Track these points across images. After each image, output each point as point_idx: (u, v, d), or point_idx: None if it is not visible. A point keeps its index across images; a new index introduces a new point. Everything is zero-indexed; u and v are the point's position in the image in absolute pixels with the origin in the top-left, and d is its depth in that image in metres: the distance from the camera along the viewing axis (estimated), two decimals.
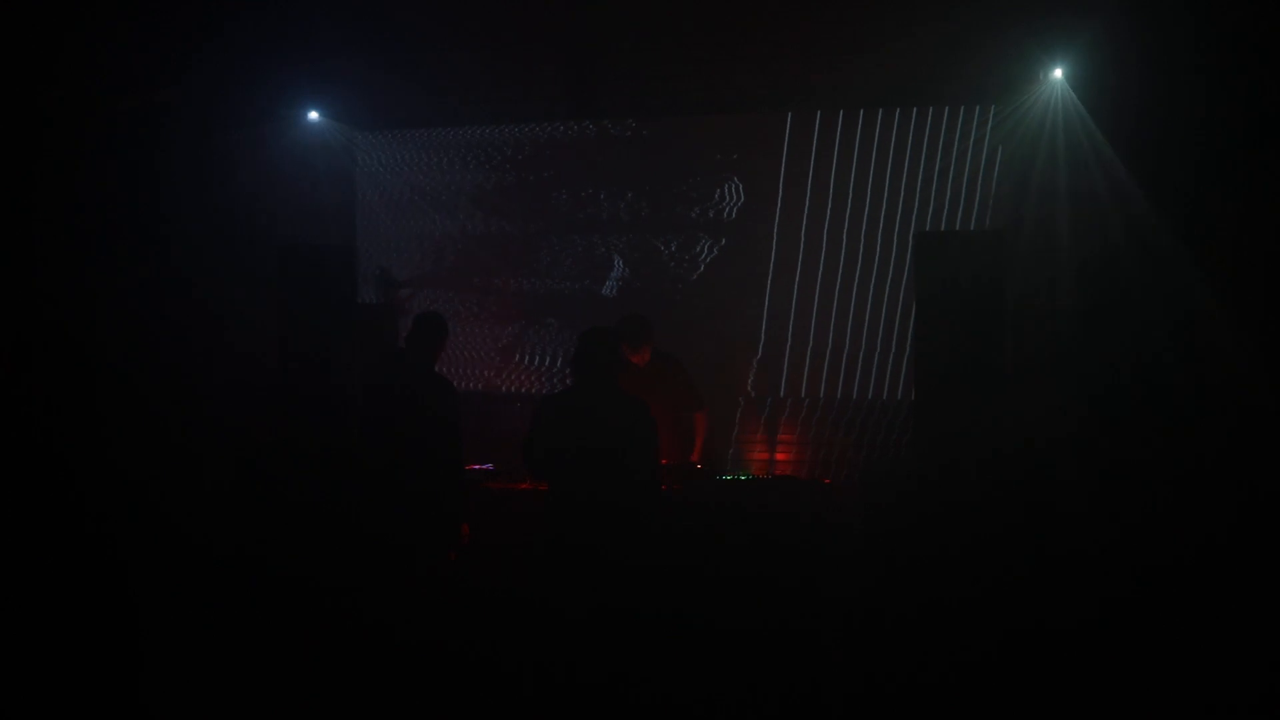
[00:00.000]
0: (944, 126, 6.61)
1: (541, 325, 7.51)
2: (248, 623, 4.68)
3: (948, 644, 4.35)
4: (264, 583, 4.85)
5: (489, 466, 5.65)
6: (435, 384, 5.03)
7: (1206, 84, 5.24)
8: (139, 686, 3.79)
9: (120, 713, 3.76)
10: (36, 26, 5.67)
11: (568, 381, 4.55)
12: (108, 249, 6.16)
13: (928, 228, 6.59)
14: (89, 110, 6.01)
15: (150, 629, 4.43)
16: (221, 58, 6.31)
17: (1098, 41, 5.64)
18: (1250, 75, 5.18)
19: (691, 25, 6.30)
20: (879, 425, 6.77)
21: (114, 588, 4.09)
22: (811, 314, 6.95)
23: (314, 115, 7.32)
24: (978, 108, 6.50)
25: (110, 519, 4.82)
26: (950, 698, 4.12)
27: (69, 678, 3.80)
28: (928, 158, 6.63)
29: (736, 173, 7.10)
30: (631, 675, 4.16)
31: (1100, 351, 5.27)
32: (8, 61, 5.62)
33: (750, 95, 6.82)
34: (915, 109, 6.66)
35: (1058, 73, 6.03)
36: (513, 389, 7.58)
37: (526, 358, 7.60)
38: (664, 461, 5.44)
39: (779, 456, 6.88)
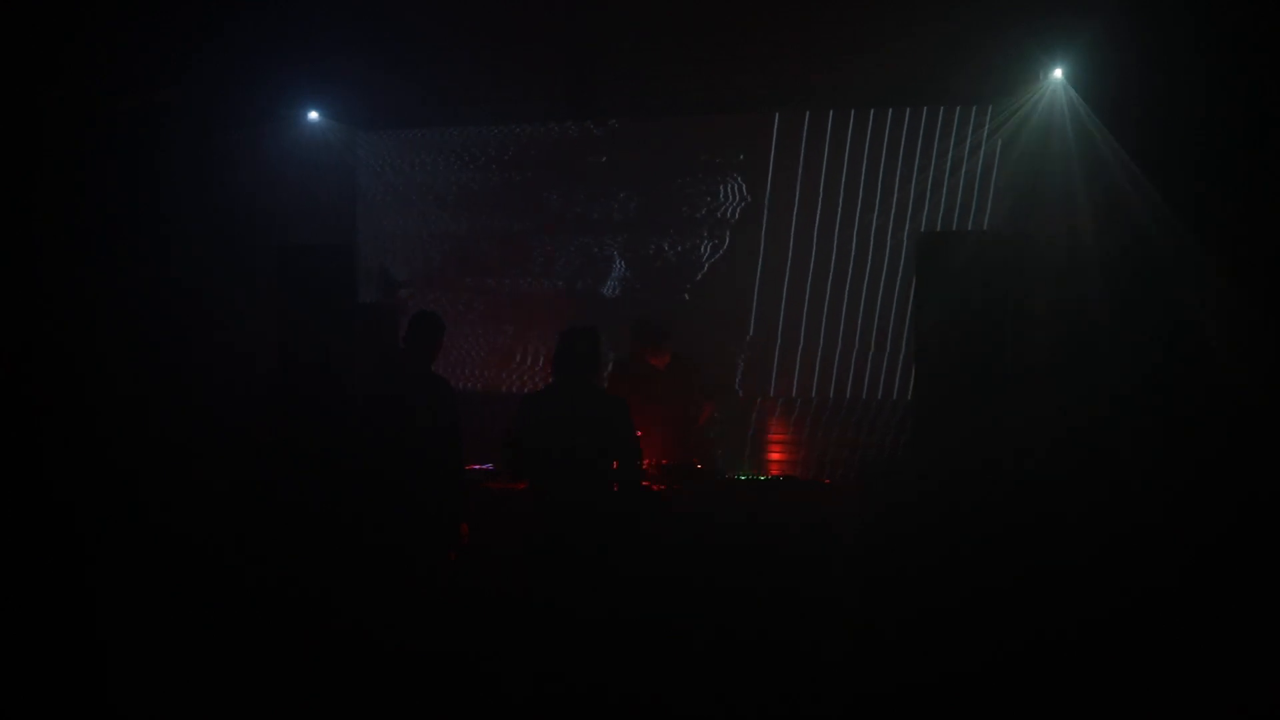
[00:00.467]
0: (944, 126, 6.61)
1: (541, 325, 7.52)
2: (246, 623, 4.67)
3: (947, 644, 4.34)
4: (263, 583, 4.84)
5: (489, 466, 5.65)
6: (432, 384, 5.03)
7: (1206, 84, 5.24)
8: (137, 687, 3.79)
9: (120, 713, 3.76)
10: (36, 26, 5.66)
11: (549, 379, 4.57)
12: (108, 249, 6.15)
13: (928, 228, 6.59)
14: (89, 110, 6.01)
15: (149, 630, 4.44)
16: (221, 58, 6.31)
17: (1098, 41, 5.64)
18: (1250, 75, 5.17)
19: (691, 25, 6.30)
20: (879, 425, 6.77)
21: (109, 588, 4.09)
22: (812, 314, 6.95)
23: (314, 115, 7.33)
24: (976, 108, 6.50)
25: (108, 519, 4.83)
26: (950, 699, 4.12)
27: (64, 676, 3.80)
28: (927, 157, 6.63)
29: (736, 173, 7.10)
30: (624, 677, 4.16)
31: (1100, 352, 5.26)
32: (8, 61, 5.62)
33: (750, 95, 6.83)
34: (915, 109, 6.66)
35: (1058, 73, 6.02)
36: (513, 389, 7.58)
37: (528, 358, 7.60)
38: (662, 461, 5.44)
39: (779, 456, 6.88)
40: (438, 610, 4.68)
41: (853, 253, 6.86)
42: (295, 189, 7.23)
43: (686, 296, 7.19)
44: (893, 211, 6.73)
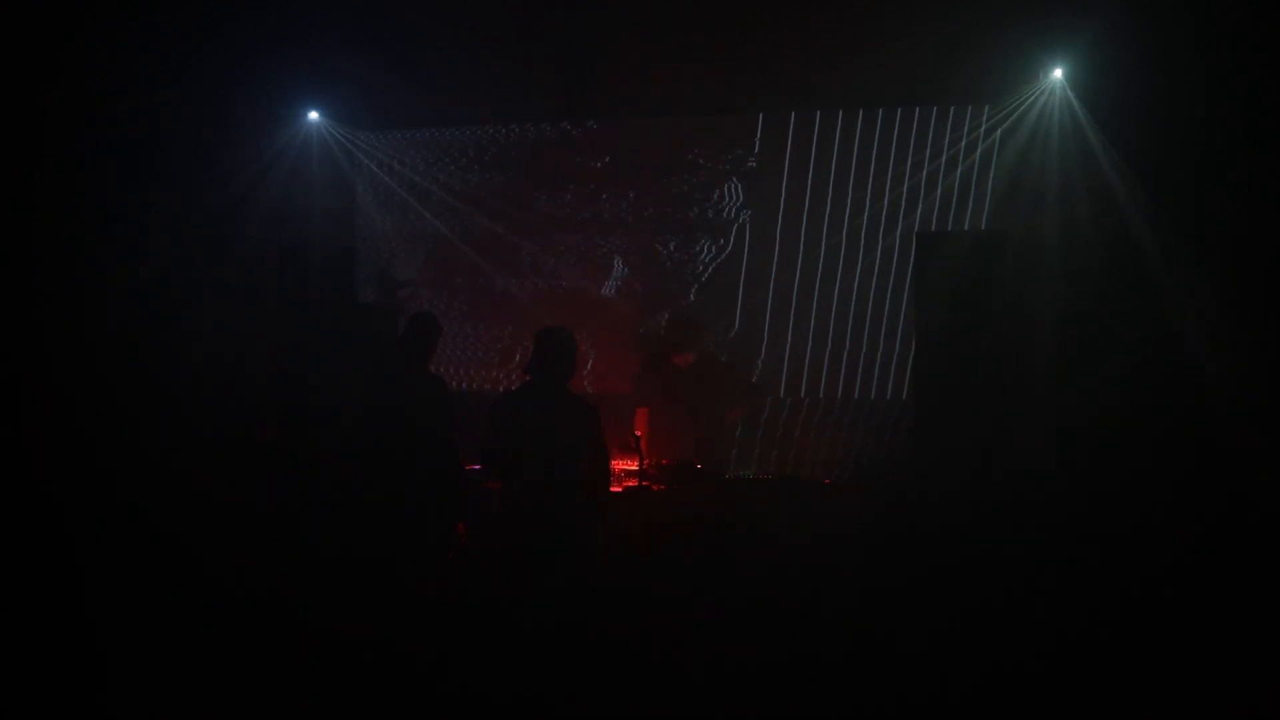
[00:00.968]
0: (944, 126, 6.61)
1: (541, 325, 7.49)
2: (242, 627, 4.67)
3: (948, 644, 4.34)
4: (258, 585, 4.84)
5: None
6: (428, 384, 5.05)
7: (1206, 84, 5.24)
8: (134, 692, 3.79)
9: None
10: (36, 26, 5.66)
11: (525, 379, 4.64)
12: (107, 249, 6.15)
13: (928, 228, 6.58)
14: (89, 110, 6.00)
15: (145, 635, 4.43)
16: (221, 58, 6.31)
17: (1098, 41, 5.64)
18: (1250, 75, 5.17)
19: (691, 25, 6.30)
20: (879, 425, 6.76)
21: (104, 592, 4.09)
22: (812, 314, 6.95)
23: (314, 115, 7.33)
24: (972, 108, 6.50)
25: (106, 520, 4.82)
26: (950, 700, 4.12)
27: (60, 681, 3.79)
28: (928, 158, 6.63)
29: (736, 173, 7.10)
30: (623, 679, 4.16)
31: (1099, 352, 5.27)
32: (8, 61, 5.62)
33: (750, 95, 6.83)
34: (915, 109, 6.66)
35: (1058, 73, 6.03)
36: (513, 390, 7.56)
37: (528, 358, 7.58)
38: (663, 461, 5.43)
39: (779, 456, 6.87)
40: (435, 612, 4.67)
41: (853, 253, 6.85)
42: (295, 189, 7.23)
43: (684, 297, 7.18)
44: (894, 211, 6.72)
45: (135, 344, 6.00)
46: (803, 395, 6.96)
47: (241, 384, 6.20)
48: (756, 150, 7.03)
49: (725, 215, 7.12)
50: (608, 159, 7.34)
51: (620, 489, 5.32)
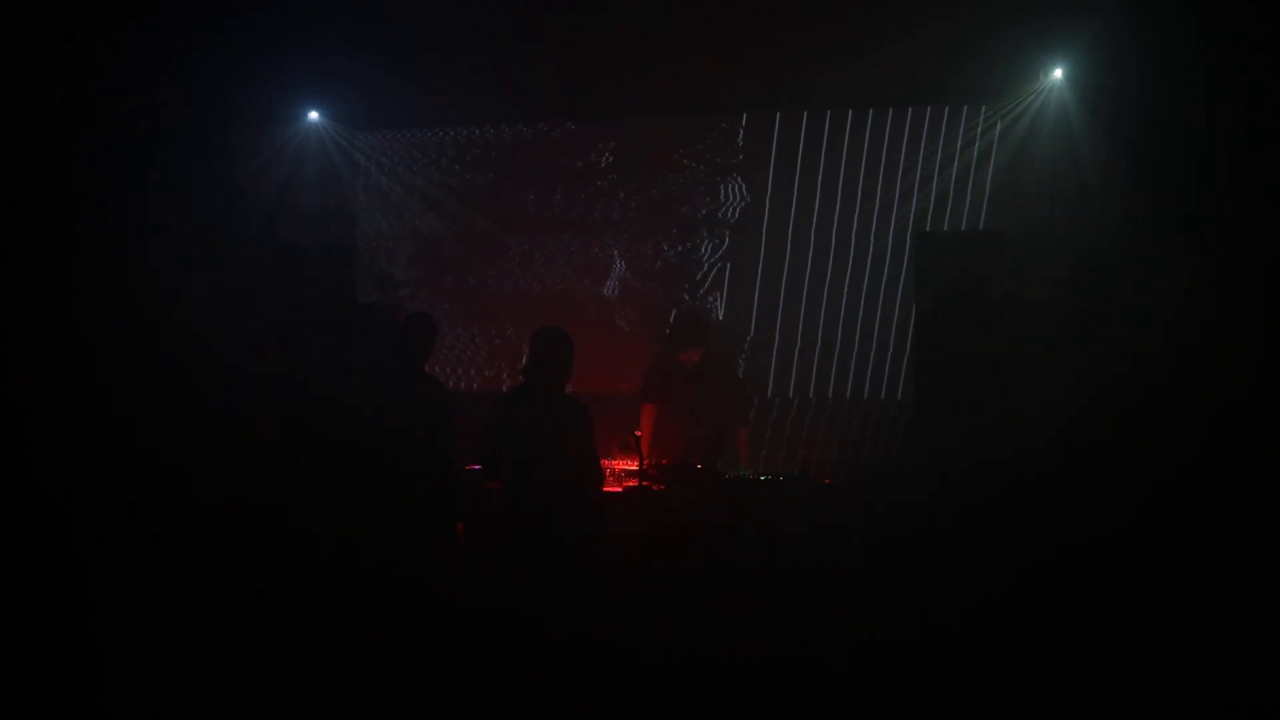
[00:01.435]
0: (944, 126, 6.61)
1: (539, 326, 7.48)
2: (241, 628, 4.67)
3: (948, 644, 4.34)
4: (258, 587, 4.84)
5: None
6: (425, 384, 5.06)
7: (1206, 84, 5.23)
8: (134, 693, 3.79)
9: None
10: (36, 26, 5.66)
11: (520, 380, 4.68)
12: (107, 249, 6.15)
13: (928, 228, 6.59)
14: (89, 110, 6.00)
15: (146, 637, 4.43)
16: (221, 58, 6.31)
17: (1098, 41, 5.64)
18: (1250, 75, 5.17)
19: (691, 25, 6.30)
20: (879, 425, 6.76)
21: (104, 594, 4.09)
22: (812, 313, 6.95)
23: (314, 115, 7.33)
24: (971, 108, 6.50)
25: (105, 520, 4.83)
26: (951, 700, 4.12)
27: (60, 683, 3.80)
28: (928, 158, 6.63)
29: (737, 172, 7.10)
30: (621, 679, 4.17)
31: (1099, 352, 5.26)
32: (8, 61, 5.61)
33: (750, 95, 6.83)
34: (915, 109, 6.66)
35: (1058, 73, 6.03)
36: (511, 391, 7.56)
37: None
38: (663, 461, 5.42)
39: (779, 456, 6.87)
40: (434, 612, 4.68)
41: (853, 252, 6.86)
42: (295, 190, 7.23)
43: (685, 297, 7.18)
44: (894, 211, 6.72)
45: (134, 344, 5.99)
46: (808, 396, 6.97)
47: (240, 383, 6.19)
48: (756, 151, 7.03)
49: (726, 215, 7.13)
50: (608, 159, 7.34)
51: (620, 489, 5.32)
